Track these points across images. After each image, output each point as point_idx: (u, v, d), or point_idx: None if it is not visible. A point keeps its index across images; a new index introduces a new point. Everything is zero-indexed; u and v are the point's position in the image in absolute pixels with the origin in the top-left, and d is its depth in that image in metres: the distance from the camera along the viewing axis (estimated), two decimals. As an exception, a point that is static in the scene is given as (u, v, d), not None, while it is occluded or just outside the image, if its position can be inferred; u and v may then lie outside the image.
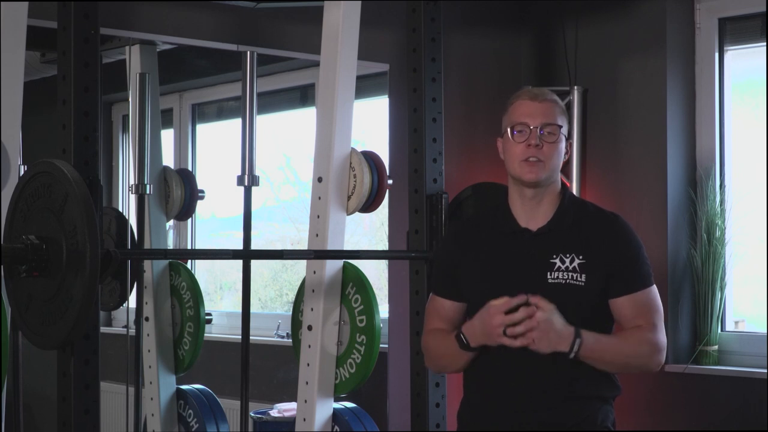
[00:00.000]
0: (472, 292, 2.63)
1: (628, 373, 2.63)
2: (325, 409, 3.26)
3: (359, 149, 3.29)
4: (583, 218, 2.62)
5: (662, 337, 2.58)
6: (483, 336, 2.51)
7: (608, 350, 2.52)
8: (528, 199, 2.60)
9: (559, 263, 2.55)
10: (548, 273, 2.55)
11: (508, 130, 2.60)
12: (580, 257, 2.55)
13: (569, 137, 2.66)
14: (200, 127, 4.17)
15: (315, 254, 3.20)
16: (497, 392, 2.57)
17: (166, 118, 4.04)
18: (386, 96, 4.12)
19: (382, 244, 4.27)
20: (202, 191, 3.77)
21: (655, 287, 2.61)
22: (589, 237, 2.58)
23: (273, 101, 4.25)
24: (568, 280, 2.54)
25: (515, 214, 2.63)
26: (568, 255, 2.56)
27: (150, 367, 3.71)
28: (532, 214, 2.61)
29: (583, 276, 2.54)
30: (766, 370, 3.73)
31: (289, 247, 4.33)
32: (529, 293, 2.54)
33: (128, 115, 3.68)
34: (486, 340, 2.51)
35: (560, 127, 2.58)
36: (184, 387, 3.78)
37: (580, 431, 2.54)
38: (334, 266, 3.26)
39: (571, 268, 2.55)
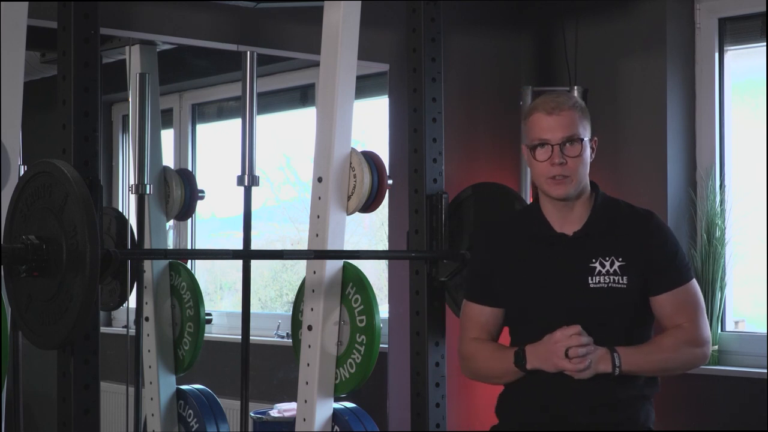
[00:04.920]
0: (512, 298, 2.62)
1: (674, 374, 2.65)
2: (325, 409, 3.26)
3: (359, 149, 3.29)
4: (617, 219, 2.62)
5: (704, 332, 2.59)
6: (542, 359, 2.50)
7: (648, 360, 2.54)
8: (560, 206, 2.60)
9: (599, 267, 2.55)
10: (589, 278, 2.54)
11: (529, 149, 2.58)
12: (620, 259, 2.55)
13: (593, 137, 2.64)
14: (200, 127, 4.17)
15: (315, 254, 3.20)
16: (540, 391, 2.57)
17: (166, 118, 4.04)
18: (386, 96, 4.12)
19: (382, 244, 4.26)
20: (202, 191, 3.77)
21: (694, 281, 2.61)
22: (626, 238, 2.58)
23: (273, 101, 4.25)
24: (610, 284, 2.54)
25: (549, 219, 2.62)
26: (607, 258, 2.55)
27: (150, 367, 3.71)
28: (566, 219, 2.61)
29: (624, 278, 2.54)
30: (766, 370, 3.73)
31: (289, 247, 4.33)
32: (572, 298, 2.54)
33: (128, 115, 3.68)
34: (543, 363, 2.50)
35: (582, 139, 2.57)
36: (184, 387, 3.78)
37: (623, 431, 2.55)
38: (334, 266, 3.25)
39: (611, 271, 2.55)
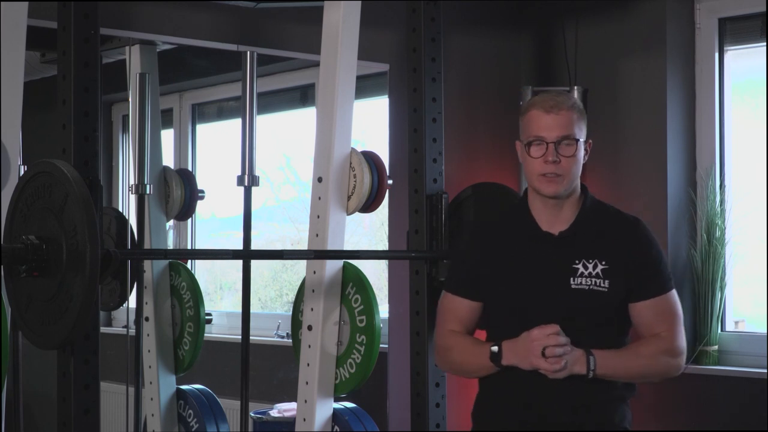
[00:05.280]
0: (493, 294, 2.62)
1: (648, 382, 2.64)
2: (325, 409, 3.26)
3: (359, 149, 3.29)
4: (604, 222, 2.61)
5: (681, 343, 2.59)
6: (519, 356, 2.50)
7: (624, 366, 2.54)
8: (550, 205, 2.60)
9: (582, 269, 2.55)
10: (571, 278, 2.54)
11: (524, 144, 2.58)
12: (603, 263, 2.55)
13: (588, 138, 2.64)
14: (200, 127, 4.17)
15: (315, 254, 3.20)
16: (516, 394, 2.57)
17: (166, 118, 4.04)
18: (386, 96, 4.12)
19: (382, 244, 4.26)
20: (202, 191, 3.77)
21: (674, 291, 2.61)
22: (612, 242, 2.58)
23: (273, 101, 4.25)
24: (591, 286, 2.54)
25: (536, 217, 2.62)
26: (590, 260, 2.55)
27: (150, 367, 3.71)
28: (554, 218, 2.60)
29: (606, 282, 2.54)
30: (766, 370, 3.73)
31: (289, 247, 4.33)
32: (553, 298, 2.54)
33: (128, 115, 3.68)
34: (520, 360, 2.50)
35: (577, 140, 2.57)
36: (184, 387, 3.78)
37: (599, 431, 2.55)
38: (334, 266, 3.25)
39: (594, 273, 2.54)
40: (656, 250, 2.61)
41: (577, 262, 2.55)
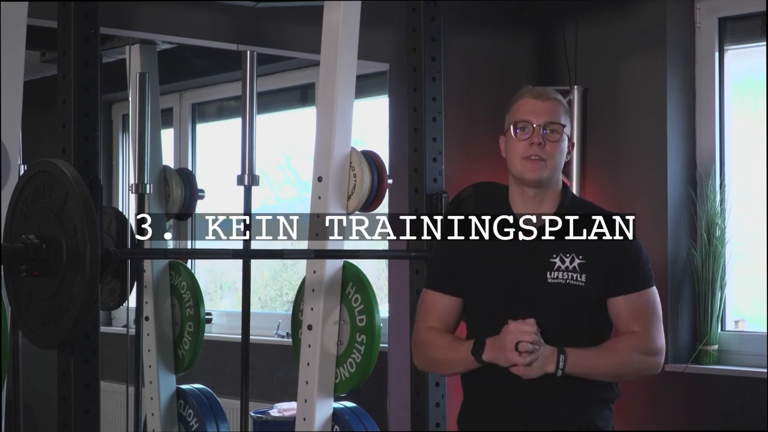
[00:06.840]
0: (472, 289, 2.61)
1: (625, 381, 2.62)
2: (325, 408, 3.26)
3: (359, 149, 3.29)
4: (583, 217, 2.61)
5: (658, 341, 2.55)
6: (497, 350, 2.48)
7: (597, 364, 2.51)
8: (529, 198, 2.59)
9: (558, 263, 2.54)
10: (548, 272, 2.53)
11: (511, 127, 2.59)
12: (581, 257, 2.54)
13: (571, 138, 2.64)
14: (200, 127, 4.17)
15: (315, 254, 3.20)
16: (498, 397, 2.56)
17: (166, 118, 4.04)
18: (386, 95, 4.12)
19: (382, 244, 4.26)
20: (202, 191, 3.77)
21: (654, 289, 2.58)
22: (590, 236, 2.57)
23: (273, 101, 4.25)
24: (567, 280, 2.53)
25: (515, 210, 2.62)
26: (568, 255, 2.54)
27: (150, 366, 3.71)
28: (533, 211, 2.60)
29: (583, 276, 2.53)
30: (766, 370, 3.73)
31: (289, 246, 4.33)
32: (529, 292, 2.53)
33: (128, 115, 3.68)
34: (497, 355, 2.48)
35: (563, 126, 2.57)
36: (184, 386, 3.78)
37: None
38: (334, 266, 3.26)
39: (571, 268, 2.54)
40: (636, 246, 2.59)
41: (554, 256, 2.54)
